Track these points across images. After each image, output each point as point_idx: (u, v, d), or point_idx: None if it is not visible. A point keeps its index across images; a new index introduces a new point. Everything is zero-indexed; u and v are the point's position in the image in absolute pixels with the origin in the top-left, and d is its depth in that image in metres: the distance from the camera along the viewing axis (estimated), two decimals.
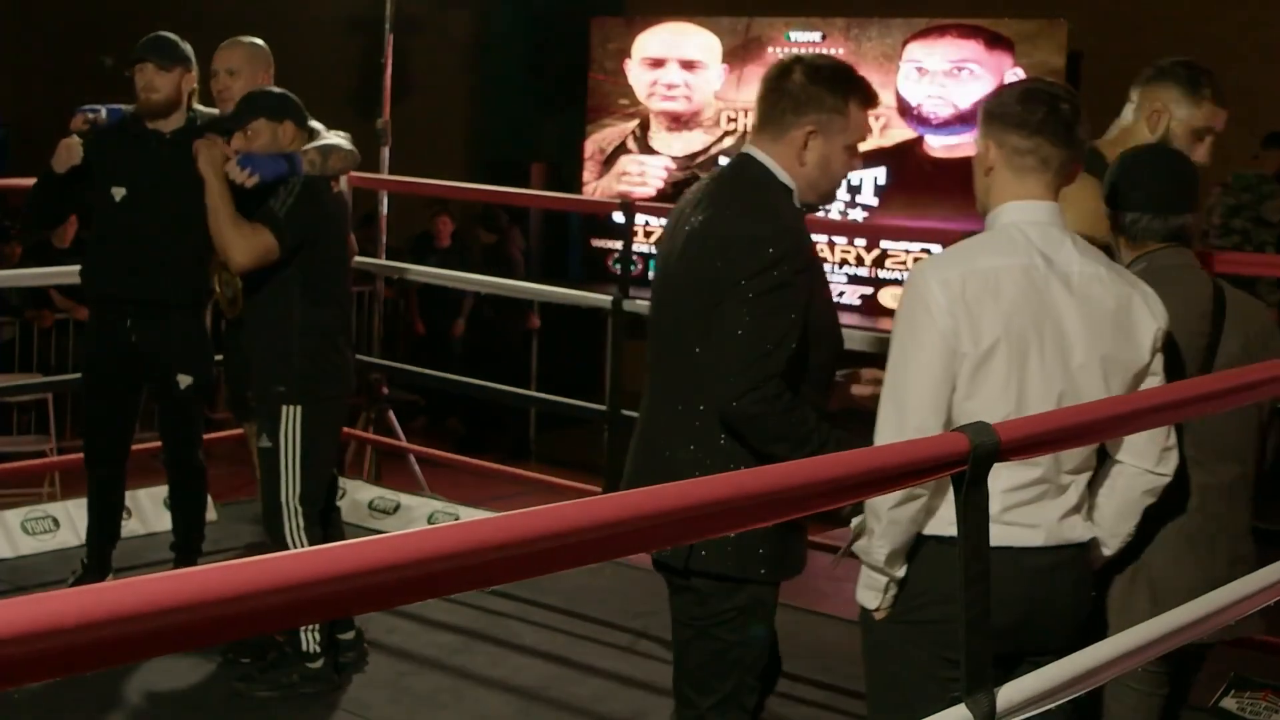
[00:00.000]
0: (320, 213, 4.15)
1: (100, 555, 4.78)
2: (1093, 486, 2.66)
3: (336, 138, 4.32)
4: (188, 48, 4.62)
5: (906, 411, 2.49)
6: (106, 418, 4.75)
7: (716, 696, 2.96)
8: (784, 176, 2.88)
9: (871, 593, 2.62)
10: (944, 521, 2.53)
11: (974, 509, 1.90)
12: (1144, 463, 2.62)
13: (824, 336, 2.88)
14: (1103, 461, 2.66)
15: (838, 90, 2.86)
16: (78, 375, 5.32)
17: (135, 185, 4.53)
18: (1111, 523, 2.66)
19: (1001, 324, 2.47)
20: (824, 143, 2.86)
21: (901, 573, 2.58)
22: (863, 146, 2.96)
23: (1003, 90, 2.68)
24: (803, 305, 2.79)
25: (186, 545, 4.83)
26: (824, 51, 9.78)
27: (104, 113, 4.62)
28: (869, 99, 2.91)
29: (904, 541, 2.54)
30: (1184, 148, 3.21)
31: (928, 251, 9.13)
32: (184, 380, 4.63)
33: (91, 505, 4.80)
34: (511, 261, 10.03)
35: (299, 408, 4.12)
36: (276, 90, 4.27)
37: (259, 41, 4.73)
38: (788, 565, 2.95)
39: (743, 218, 2.83)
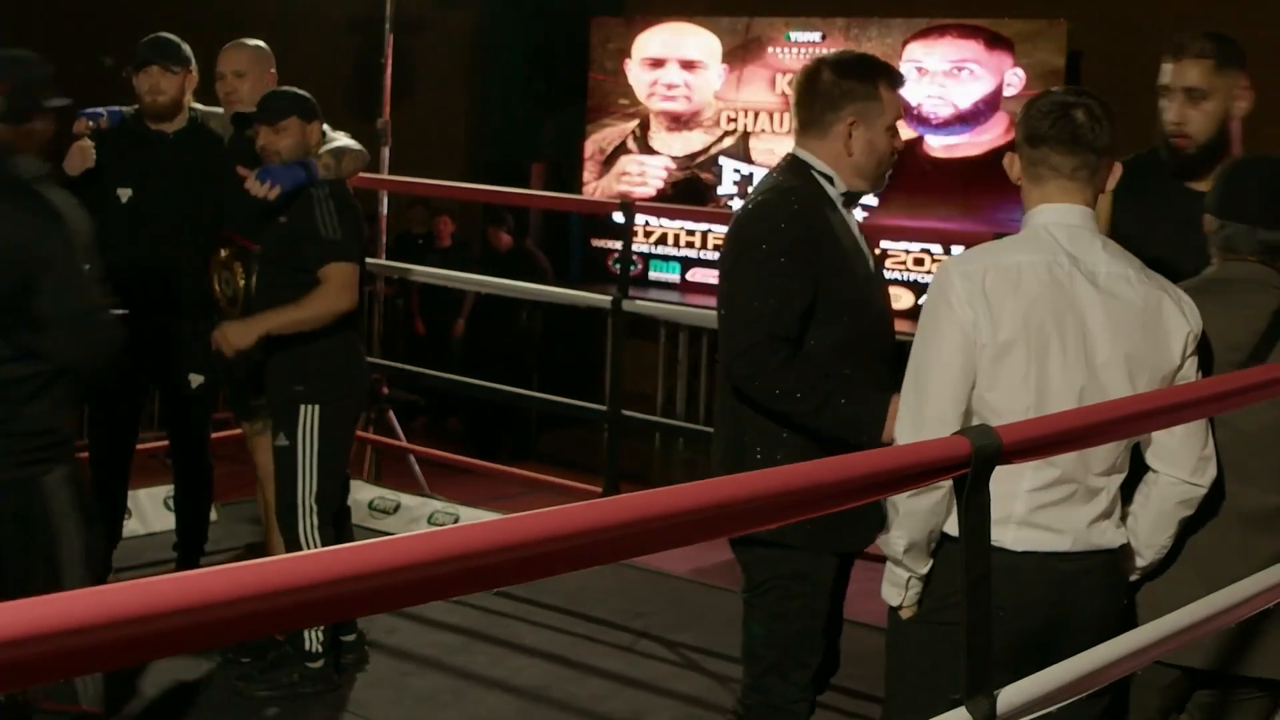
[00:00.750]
0: (356, 217, 4.19)
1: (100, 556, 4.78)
2: (1129, 494, 2.65)
3: (345, 139, 4.33)
4: (188, 48, 4.63)
5: (925, 401, 2.52)
6: (112, 419, 4.76)
7: (763, 666, 3.03)
8: (822, 166, 3.02)
9: (894, 589, 2.64)
10: None
11: (975, 512, 1.89)
12: (1179, 472, 2.60)
13: (851, 311, 2.95)
14: (1140, 468, 2.65)
15: (867, 78, 3.01)
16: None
17: (141, 186, 4.54)
18: (1147, 533, 2.65)
19: (1021, 317, 2.49)
20: (866, 129, 3.01)
21: (924, 569, 2.59)
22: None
23: (1029, 102, 2.73)
24: (807, 276, 2.89)
25: (189, 545, 4.82)
26: (824, 52, 9.79)
27: (105, 116, 4.63)
28: (895, 79, 3.06)
29: (923, 535, 2.55)
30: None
31: (928, 251, 9.13)
32: (195, 380, 4.64)
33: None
34: (538, 263, 9.99)
35: (317, 406, 4.12)
36: (303, 92, 4.26)
37: (261, 43, 4.74)
38: (834, 537, 2.95)
39: (755, 195, 3.04)
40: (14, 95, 3.14)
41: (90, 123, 4.62)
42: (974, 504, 1.88)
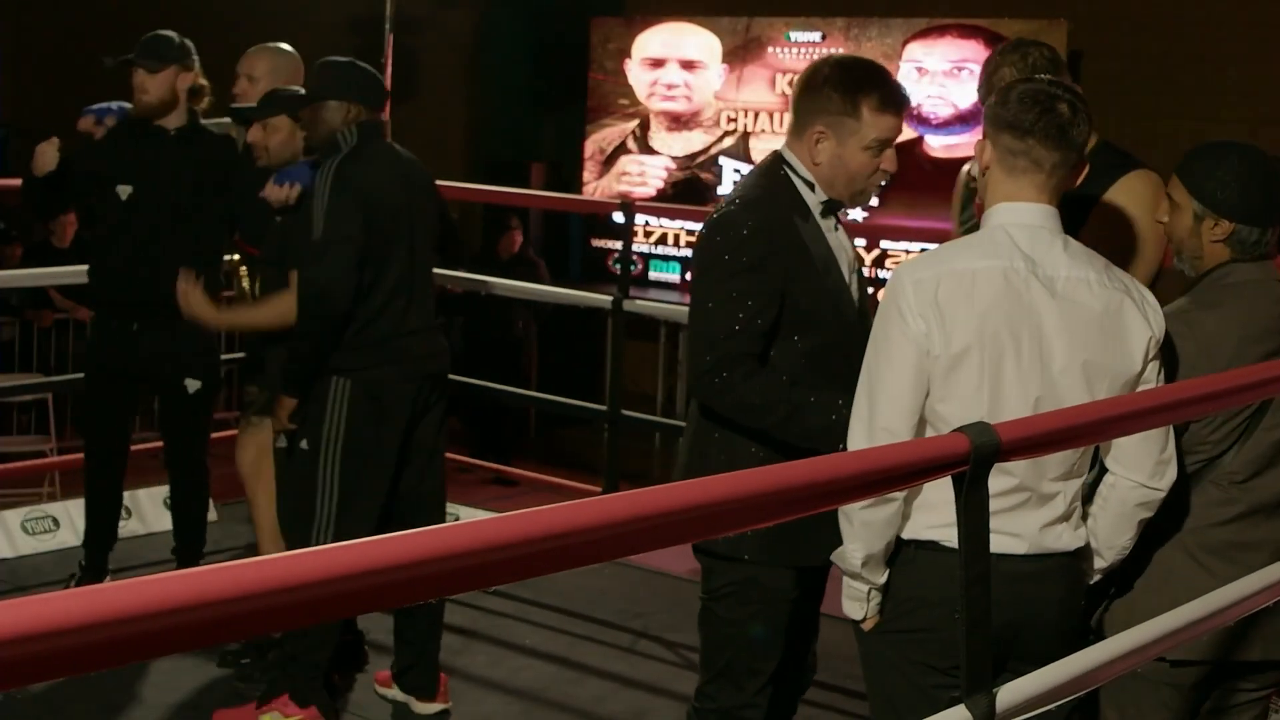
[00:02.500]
0: None
1: (97, 557, 4.77)
2: (1088, 496, 2.63)
3: None
4: (185, 45, 4.59)
5: (877, 412, 2.48)
6: (107, 419, 4.74)
7: (713, 671, 3.01)
8: (803, 171, 2.96)
9: (855, 603, 2.60)
10: (920, 526, 2.52)
11: (975, 510, 1.89)
12: (1137, 476, 2.57)
13: (817, 323, 2.90)
14: (1100, 470, 2.64)
15: (849, 94, 2.89)
16: (78, 375, 5.32)
17: (140, 184, 4.52)
18: (1105, 535, 2.62)
19: (975, 327, 2.44)
20: (835, 144, 2.91)
21: (882, 580, 2.56)
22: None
23: (1005, 88, 2.65)
24: (771, 290, 2.84)
25: (188, 547, 4.81)
26: (824, 52, 9.79)
27: (113, 113, 4.63)
28: (888, 101, 2.90)
29: (880, 547, 2.52)
30: None
31: (927, 252, 9.13)
32: (191, 385, 4.62)
33: (89, 507, 4.79)
34: (539, 274, 9.93)
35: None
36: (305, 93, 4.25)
37: (286, 48, 4.68)
38: (789, 551, 2.90)
39: (727, 202, 2.96)
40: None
41: (96, 120, 4.63)
42: (973, 502, 1.88)
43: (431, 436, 4.01)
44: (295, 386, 3.88)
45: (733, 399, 2.83)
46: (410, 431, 3.93)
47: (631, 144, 10.61)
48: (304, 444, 3.86)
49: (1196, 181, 2.79)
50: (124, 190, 4.52)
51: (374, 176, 3.84)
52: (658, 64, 10.46)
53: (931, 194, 9.19)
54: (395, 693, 4.10)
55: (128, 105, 4.66)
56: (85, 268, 4.79)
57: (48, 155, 4.52)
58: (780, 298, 2.85)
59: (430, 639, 4.07)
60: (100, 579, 4.73)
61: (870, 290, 3.16)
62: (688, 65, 10.36)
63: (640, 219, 10.09)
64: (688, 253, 10.30)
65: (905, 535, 2.53)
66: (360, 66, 4.00)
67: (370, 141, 3.89)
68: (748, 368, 2.82)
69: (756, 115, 10.10)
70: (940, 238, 9.27)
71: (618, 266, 7.98)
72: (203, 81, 4.64)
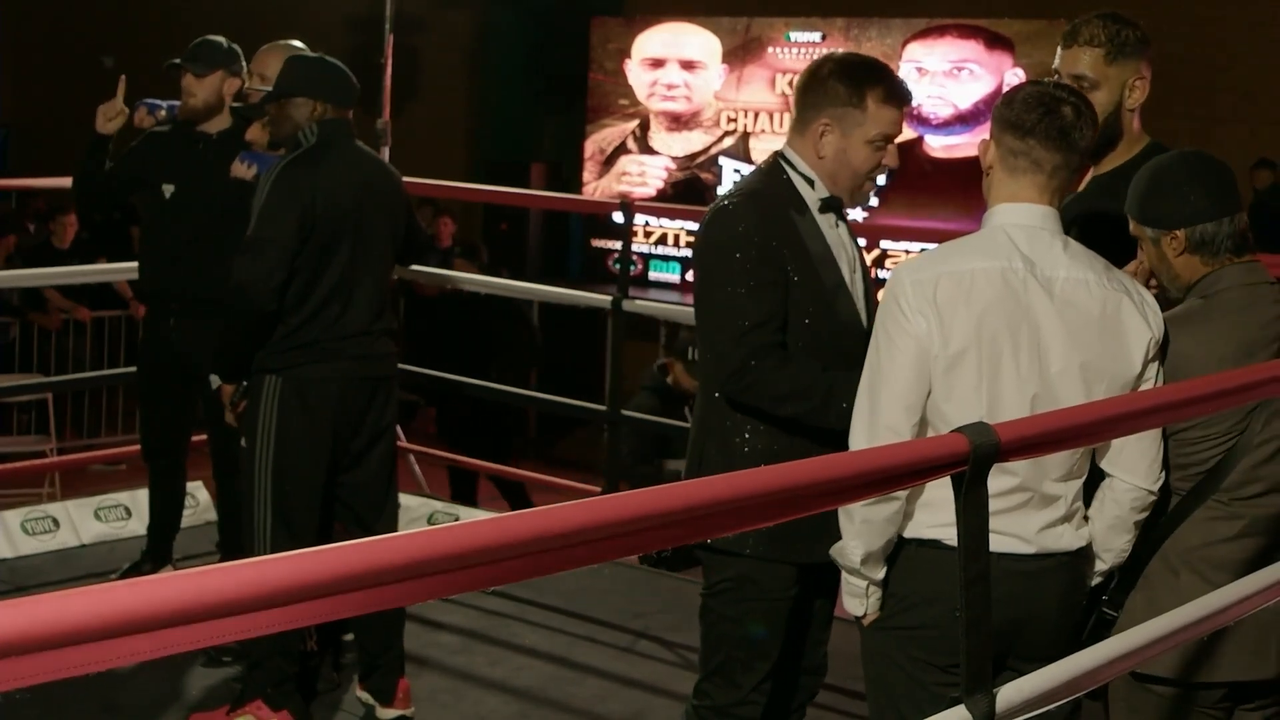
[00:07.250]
0: None
1: (159, 545, 4.90)
2: (1086, 498, 2.63)
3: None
4: (232, 50, 4.68)
5: (879, 410, 2.49)
6: (157, 412, 4.89)
7: (709, 667, 3.01)
8: (804, 167, 2.96)
9: (855, 600, 2.61)
10: (921, 524, 2.52)
11: (974, 510, 1.89)
12: (1134, 479, 2.57)
13: (812, 319, 2.90)
14: (1098, 473, 2.64)
15: (855, 85, 2.91)
16: (78, 375, 5.37)
17: (183, 184, 4.61)
18: (1103, 537, 2.62)
19: (973, 327, 2.45)
20: (840, 137, 2.92)
21: (880, 576, 2.57)
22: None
23: (1012, 90, 2.65)
24: (783, 279, 2.85)
25: (228, 543, 4.84)
26: (824, 52, 9.81)
27: (165, 109, 4.72)
28: (893, 94, 2.93)
29: (880, 544, 2.52)
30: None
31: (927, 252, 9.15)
32: (215, 380, 4.67)
33: (150, 497, 4.95)
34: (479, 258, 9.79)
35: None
36: None
37: (299, 46, 4.71)
38: (786, 548, 2.89)
39: (723, 198, 2.98)
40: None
41: (148, 110, 4.74)
42: (972, 502, 1.88)
43: (371, 436, 3.98)
44: (225, 373, 3.97)
45: (765, 392, 2.83)
46: (353, 431, 3.92)
47: (631, 144, 10.62)
48: (243, 442, 3.93)
49: (1137, 210, 2.78)
50: (167, 189, 4.64)
51: (319, 180, 3.79)
52: (658, 64, 10.47)
53: (931, 194, 9.20)
54: (366, 696, 4.12)
55: (176, 105, 4.75)
56: (85, 268, 4.87)
57: (114, 110, 4.62)
58: (787, 288, 2.86)
59: (385, 648, 4.07)
60: (161, 567, 4.87)
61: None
62: (688, 65, 10.38)
63: (640, 219, 10.10)
64: (688, 253, 10.31)
65: (907, 534, 2.53)
66: (330, 63, 3.97)
67: (330, 141, 3.85)
68: (778, 357, 2.83)
69: (756, 115, 10.11)
70: (940, 238, 9.30)
71: (618, 266, 7.99)
72: (249, 87, 4.68)
